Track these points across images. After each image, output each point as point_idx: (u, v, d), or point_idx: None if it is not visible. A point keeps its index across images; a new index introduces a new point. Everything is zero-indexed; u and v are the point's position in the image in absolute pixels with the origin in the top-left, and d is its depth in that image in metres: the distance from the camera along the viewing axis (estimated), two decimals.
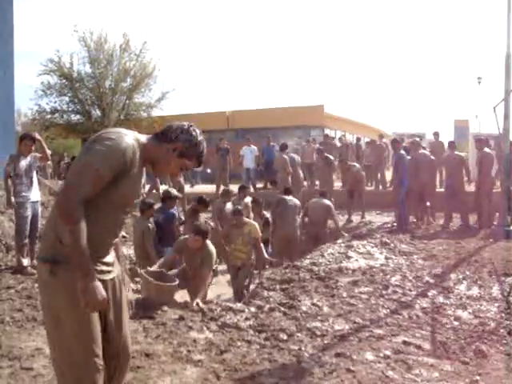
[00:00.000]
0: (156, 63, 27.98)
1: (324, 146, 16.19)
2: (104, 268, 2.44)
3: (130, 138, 2.36)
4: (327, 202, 10.12)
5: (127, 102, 27.93)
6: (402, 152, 10.52)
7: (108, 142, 2.27)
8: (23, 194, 7.10)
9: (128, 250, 8.71)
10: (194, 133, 2.54)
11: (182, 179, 12.90)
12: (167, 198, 8.34)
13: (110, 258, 2.53)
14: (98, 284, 2.24)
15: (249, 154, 16.57)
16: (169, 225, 8.23)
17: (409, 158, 10.37)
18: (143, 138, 2.50)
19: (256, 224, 7.89)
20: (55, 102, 27.35)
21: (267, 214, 9.65)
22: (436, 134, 15.66)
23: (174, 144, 2.49)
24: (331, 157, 13.60)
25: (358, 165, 13.15)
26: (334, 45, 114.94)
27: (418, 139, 12.93)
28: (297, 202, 9.68)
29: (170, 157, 2.51)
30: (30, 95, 26.67)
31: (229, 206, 9.26)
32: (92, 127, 26.73)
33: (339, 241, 8.99)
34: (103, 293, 2.25)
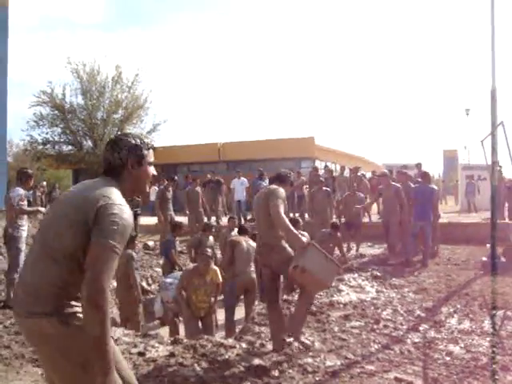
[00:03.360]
0: (148, 95, 28.24)
1: (313, 178, 16.24)
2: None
3: (123, 201, 2.36)
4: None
5: (119, 133, 28.04)
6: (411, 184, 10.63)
7: (117, 218, 2.24)
8: (23, 227, 7.12)
9: None
10: (128, 138, 2.54)
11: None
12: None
13: None
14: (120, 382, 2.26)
15: (239, 186, 16.60)
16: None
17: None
18: (112, 184, 2.44)
19: (217, 268, 7.35)
20: (47, 133, 27.42)
21: None
22: (418, 166, 15.67)
23: (127, 161, 2.48)
24: (329, 189, 13.56)
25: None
26: (326, 78, 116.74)
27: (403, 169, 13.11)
28: None
29: (135, 174, 2.51)
30: (22, 126, 26.64)
31: (211, 240, 9.38)
32: (83, 158, 26.81)
33: None
34: None
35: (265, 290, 5.37)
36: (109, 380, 2.14)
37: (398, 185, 10.50)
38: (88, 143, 27.88)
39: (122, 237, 2.24)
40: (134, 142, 2.54)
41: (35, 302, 2.25)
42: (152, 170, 2.61)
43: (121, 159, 2.48)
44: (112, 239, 2.19)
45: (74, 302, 2.29)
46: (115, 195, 2.34)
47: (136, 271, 7.73)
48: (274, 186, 5.16)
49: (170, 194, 12.70)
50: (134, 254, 7.69)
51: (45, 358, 2.35)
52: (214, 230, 10.10)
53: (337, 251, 10.20)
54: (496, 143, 9.17)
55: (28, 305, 2.26)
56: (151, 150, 2.62)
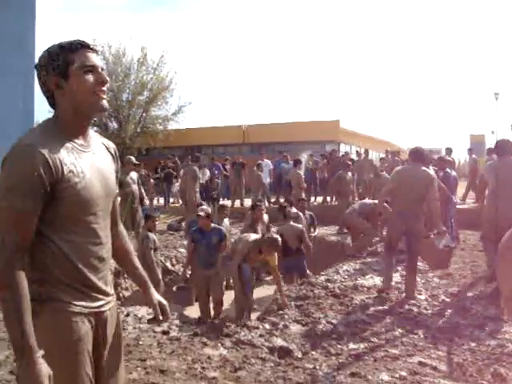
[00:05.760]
0: (173, 77, 28.33)
1: (331, 161, 16.26)
2: (94, 294, 1.89)
3: (31, 140, 1.74)
4: (299, 226, 8.46)
5: (144, 114, 28.24)
6: (448, 170, 10.41)
7: (3, 169, 1.71)
8: None
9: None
10: (41, 54, 1.85)
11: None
12: None
13: (104, 282, 1.93)
14: (40, 367, 1.63)
15: (263, 169, 16.58)
16: None
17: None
18: (43, 122, 1.89)
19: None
20: None
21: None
22: (449, 151, 15.20)
23: (50, 80, 1.82)
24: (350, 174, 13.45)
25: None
26: (351, 61, 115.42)
27: (446, 156, 12.85)
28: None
29: (67, 91, 1.82)
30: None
31: (226, 222, 9.32)
32: (108, 139, 27.08)
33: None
34: (45, 381, 1.63)
35: (409, 253, 6.37)
36: (29, 371, 1.62)
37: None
38: (113, 124, 28.14)
39: (10, 189, 1.67)
40: (46, 53, 1.83)
41: None
42: (93, 77, 1.82)
43: (44, 84, 1.85)
44: None
45: (40, 288, 1.78)
46: (22, 139, 1.76)
47: (154, 252, 7.71)
48: (431, 172, 6.42)
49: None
50: (149, 234, 7.68)
51: None
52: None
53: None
54: None
55: None
56: (81, 50, 1.82)
